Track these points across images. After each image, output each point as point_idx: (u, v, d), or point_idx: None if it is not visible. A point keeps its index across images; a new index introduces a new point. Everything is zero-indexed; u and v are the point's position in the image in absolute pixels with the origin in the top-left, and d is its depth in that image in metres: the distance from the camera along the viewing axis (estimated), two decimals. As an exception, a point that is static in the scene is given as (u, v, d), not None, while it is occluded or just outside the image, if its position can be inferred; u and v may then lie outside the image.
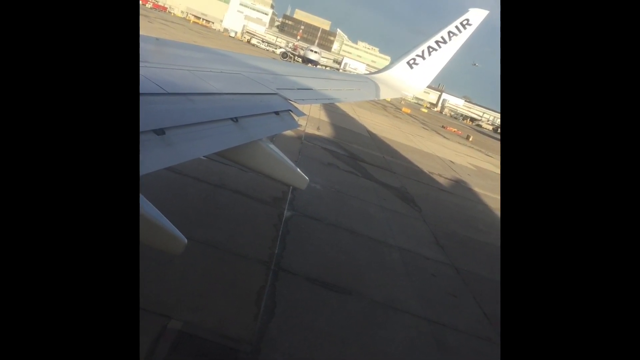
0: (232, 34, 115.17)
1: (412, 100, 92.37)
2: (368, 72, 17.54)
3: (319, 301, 6.52)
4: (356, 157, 17.64)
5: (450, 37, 9.93)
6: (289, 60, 73.14)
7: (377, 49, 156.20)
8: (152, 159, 2.13)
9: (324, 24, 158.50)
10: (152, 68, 3.13)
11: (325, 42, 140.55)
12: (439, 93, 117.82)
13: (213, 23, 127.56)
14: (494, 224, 14.58)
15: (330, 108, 29.59)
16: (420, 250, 9.94)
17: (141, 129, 2.12)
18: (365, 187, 13.82)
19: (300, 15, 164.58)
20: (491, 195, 19.55)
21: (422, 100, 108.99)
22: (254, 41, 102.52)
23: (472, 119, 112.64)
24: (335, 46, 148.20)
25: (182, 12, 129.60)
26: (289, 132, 15.16)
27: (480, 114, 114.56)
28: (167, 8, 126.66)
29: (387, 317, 6.72)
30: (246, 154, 3.67)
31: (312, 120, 22.44)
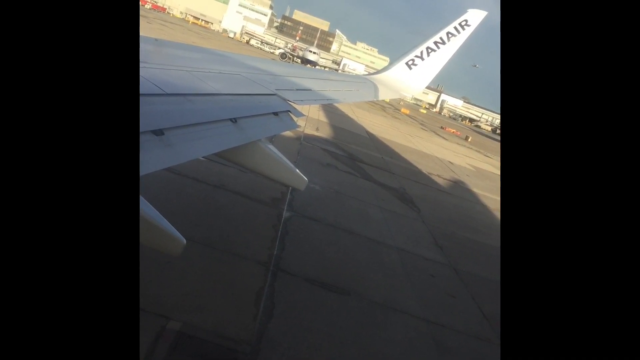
0: (231, 35, 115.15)
1: (410, 101, 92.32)
2: (367, 73, 17.55)
3: (317, 302, 6.52)
4: (355, 158, 17.64)
5: (449, 38, 9.94)
6: (288, 60, 73.06)
7: (376, 50, 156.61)
8: (151, 159, 2.13)
9: (322, 24, 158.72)
10: (151, 69, 3.13)
11: (324, 42, 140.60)
12: (438, 94, 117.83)
13: (212, 24, 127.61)
14: (492, 225, 14.59)
15: (329, 109, 29.60)
16: (419, 250, 9.94)
17: (140, 129, 2.11)
18: (364, 188, 13.81)
19: (299, 16, 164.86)
20: (490, 195, 19.56)
21: (420, 101, 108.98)
22: (252, 42, 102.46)
23: (471, 120, 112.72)
24: (334, 47, 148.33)
25: (181, 12, 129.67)
26: (287, 133, 15.16)
27: (479, 114, 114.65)
28: (166, 9, 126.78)
29: (386, 317, 6.72)
30: (245, 155, 3.67)
31: (311, 120, 22.43)
